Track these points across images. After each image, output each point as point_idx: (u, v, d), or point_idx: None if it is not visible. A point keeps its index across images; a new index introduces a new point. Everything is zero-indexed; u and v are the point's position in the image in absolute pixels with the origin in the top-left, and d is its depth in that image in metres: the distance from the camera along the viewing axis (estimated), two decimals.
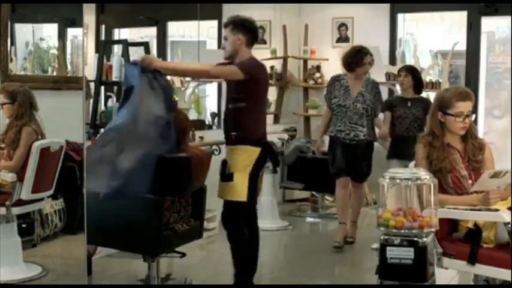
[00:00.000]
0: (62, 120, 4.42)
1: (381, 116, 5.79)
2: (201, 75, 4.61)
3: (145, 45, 6.17)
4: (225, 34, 4.11)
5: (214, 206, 4.96)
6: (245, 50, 4.06)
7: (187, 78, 7.25)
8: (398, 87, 7.17)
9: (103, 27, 6.48)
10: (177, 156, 3.91)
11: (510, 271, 3.16)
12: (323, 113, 5.86)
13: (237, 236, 4.09)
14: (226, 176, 3.99)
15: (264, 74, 4.17)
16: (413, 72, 5.78)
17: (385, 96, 7.50)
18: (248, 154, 3.98)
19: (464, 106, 3.52)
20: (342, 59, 5.57)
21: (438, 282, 3.14)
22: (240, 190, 3.97)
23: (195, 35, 7.09)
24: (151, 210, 3.90)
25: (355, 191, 5.73)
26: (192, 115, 6.99)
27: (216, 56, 4.80)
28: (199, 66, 4.63)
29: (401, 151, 5.34)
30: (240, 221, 4.08)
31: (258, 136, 4.05)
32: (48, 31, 5.18)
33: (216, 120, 7.18)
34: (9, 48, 4.59)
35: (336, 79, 5.53)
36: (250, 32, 4.08)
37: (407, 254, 2.93)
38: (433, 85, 6.87)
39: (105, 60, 5.84)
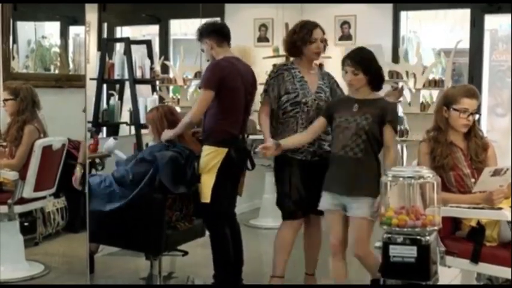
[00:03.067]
0: (64, 118, 4.42)
1: None
2: (191, 125, 4.05)
3: (148, 44, 6.17)
4: (201, 47, 4.16)
5: None
6: (219, 50, 4.07)
7: (190, 76, 7.27)
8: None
9: (105, 25, 6.48)
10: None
11: None
12: (262, 113, 4.07)
13: (212, 236, 4.11)
14: (196, 177, 4.01)
15: (228, 73, 3.96)
16: (364, 64, 3.69)
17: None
18: (214, 155, 3.95)
19: (469, 103, 3.52)
20: (284, 41, 4.16)
21: (441, 280, 3.13)
22: (204, 191, 3.98)
23: None
24: (153, 209, 3.89)
25: (313, 227, 4.21)
26: None
27: None
28: (185, 120, 4.01)
29: (335, 180, 3.66)
30: (210, 222, 4.11)
31: (224, 137, 3.98)
32: (50, 29, 5.18)
33: None
34: (11, 46, 4.59)
35: (284, 68, 4.04)
36: (214, 32, 4.09)
37: (410, 252, 2.92)
38: (436, 83, 6.85)
39: (107, 58, 5.84)
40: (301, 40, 3.98)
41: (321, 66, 7.64)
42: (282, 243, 4.13)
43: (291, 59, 4.18)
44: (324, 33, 4.06)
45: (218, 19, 7.51)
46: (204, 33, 4.10)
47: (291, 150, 3.93)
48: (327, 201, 3.74)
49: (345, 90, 4.21)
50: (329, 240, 3.85)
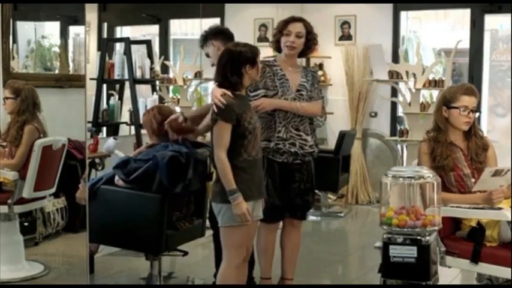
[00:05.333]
0: (64, 118, 4.41)
1: None
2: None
3: (148, 44, 6.17)
4: (205, 52, 4.06)
5: None
6: None
7: (190, 76, 7.27)
8: (402, 86, 7.16)
9: (105, 25, 6.48)
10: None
11: None
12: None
13: (216, 235, 4.09)
14: (207, 175, 3.99)
15: None
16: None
17: (387, 96, 7.51)
18: None
19: (468, 100, 3.52)
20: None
21: (441, 280, 3.13)
22: None
23: (197, 33, 7.07)
24: (153, 208, 3.90)
25: (290, 233, 4.09)
26: None
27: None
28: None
29: (256, 186, 3.39)
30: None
31: None
32: (50, 29, 5.17)
33: None
34: (11, 46, 4.58)
35: (265, 64, 3.88)
36: (220, 33, 4.00)
37: (410, 252, 2.92)
38: (436, 83, 6.85)
39: (107, 58, 5.85)
40: (277, 31, 3.97)
41: (321, 66, 7.67)
42: (262, 247, 4.05)
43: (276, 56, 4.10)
44: (308, 29, 3.94)
45: (218, 19, 7.57)
46: (209, 35, 4.01)
47: (272, 152, 3.84)
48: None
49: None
50: (236, 255, 3.41)
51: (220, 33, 4.03)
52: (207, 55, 4.07)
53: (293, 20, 3.96)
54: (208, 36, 4.03)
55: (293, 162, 3.89)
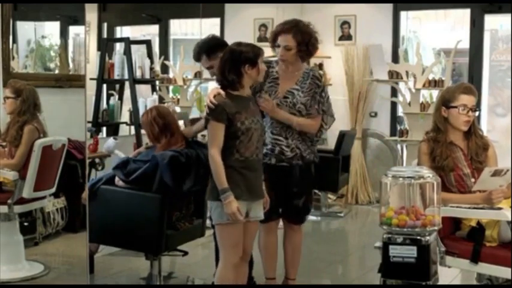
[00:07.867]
0: (64, 118, 4.42)
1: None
2: None
3: (148, 44, 6.17)
4: (209, 64, 3.96)
5: None
6: None
7: (189, 76, 7.27)
8: (402, 86, 7.17)
9: (105, 25, 6.48)
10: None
11: None
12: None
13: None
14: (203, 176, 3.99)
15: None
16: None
17: (387, 96, 7.51)
18: None
19: (467, 99, 3.52)
20: None
21: (441, 280, 3.13)
22: None
23: (198, 33, 7.08)
24: (153, 208, 3.90)
25: (290, 235, 4.08)
26: (194, 113, 6.99)
27: None
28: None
29: (249, 186, 3.38)
30: None
31: None
32: (50, 29, 5.17)
33: None
34: (11, 46, 4.58)
35: (266, 64, 3.75)
36: (225, 45, 3.83)
37: (410, 252, 2.93)
38: (436, 83, 6.85)
39: (107, 58, 5.85)
40: (270, 40, 3.97)
41: (321, 66, 7.67)
42: (262, 247, 4.08)
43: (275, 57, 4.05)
44: (298, 40, 3.84)
45: (218, 19, 7.56)
46: (213, 49, 3.92)
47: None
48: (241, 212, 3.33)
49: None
50: (232, 253, 3.41)
51: (225, 45, 3.82)
52: (211, 67, 3.94)
53: (282, 31, 3.88)
54: (214, 47, 3.94)
55: (277, 164, 3.87)
